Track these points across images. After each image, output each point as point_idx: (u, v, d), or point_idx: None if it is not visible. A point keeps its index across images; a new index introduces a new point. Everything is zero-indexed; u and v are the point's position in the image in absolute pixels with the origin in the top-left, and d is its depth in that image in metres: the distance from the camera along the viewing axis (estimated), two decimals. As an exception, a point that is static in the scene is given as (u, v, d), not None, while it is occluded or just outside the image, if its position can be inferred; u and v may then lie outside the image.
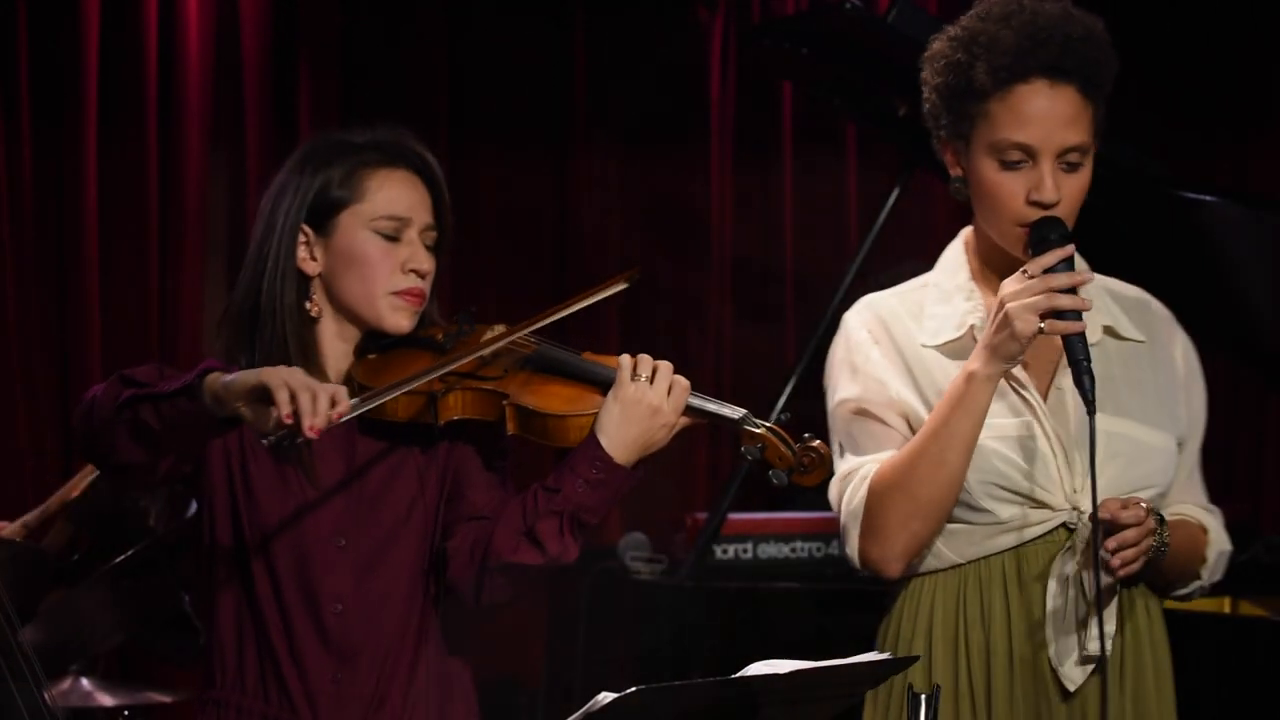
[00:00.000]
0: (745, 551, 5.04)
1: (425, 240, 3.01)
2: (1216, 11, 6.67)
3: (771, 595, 4.83)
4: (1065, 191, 2.97)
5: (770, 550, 5.09)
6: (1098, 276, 3.10)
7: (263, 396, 2.71)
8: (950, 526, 3.03)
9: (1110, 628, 2.98)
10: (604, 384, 2.94)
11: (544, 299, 5.09)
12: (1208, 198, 4.52)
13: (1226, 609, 4.71)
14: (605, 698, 2.40)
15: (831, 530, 5.07)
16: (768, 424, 2.96)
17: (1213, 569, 3.12)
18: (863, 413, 3.08)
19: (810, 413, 6.18)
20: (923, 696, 2.57)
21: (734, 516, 4.98)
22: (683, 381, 2.93)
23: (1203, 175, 5.84)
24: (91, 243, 5.61)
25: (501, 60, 6.19)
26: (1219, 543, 3.13)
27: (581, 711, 2.42)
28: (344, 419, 2.74)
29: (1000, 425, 3.00)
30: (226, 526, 2.97)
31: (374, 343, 3.01)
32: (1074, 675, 2.99)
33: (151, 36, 5.70)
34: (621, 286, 3.06)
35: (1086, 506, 2.98)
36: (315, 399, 2.69)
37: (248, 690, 2.97)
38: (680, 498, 6.10)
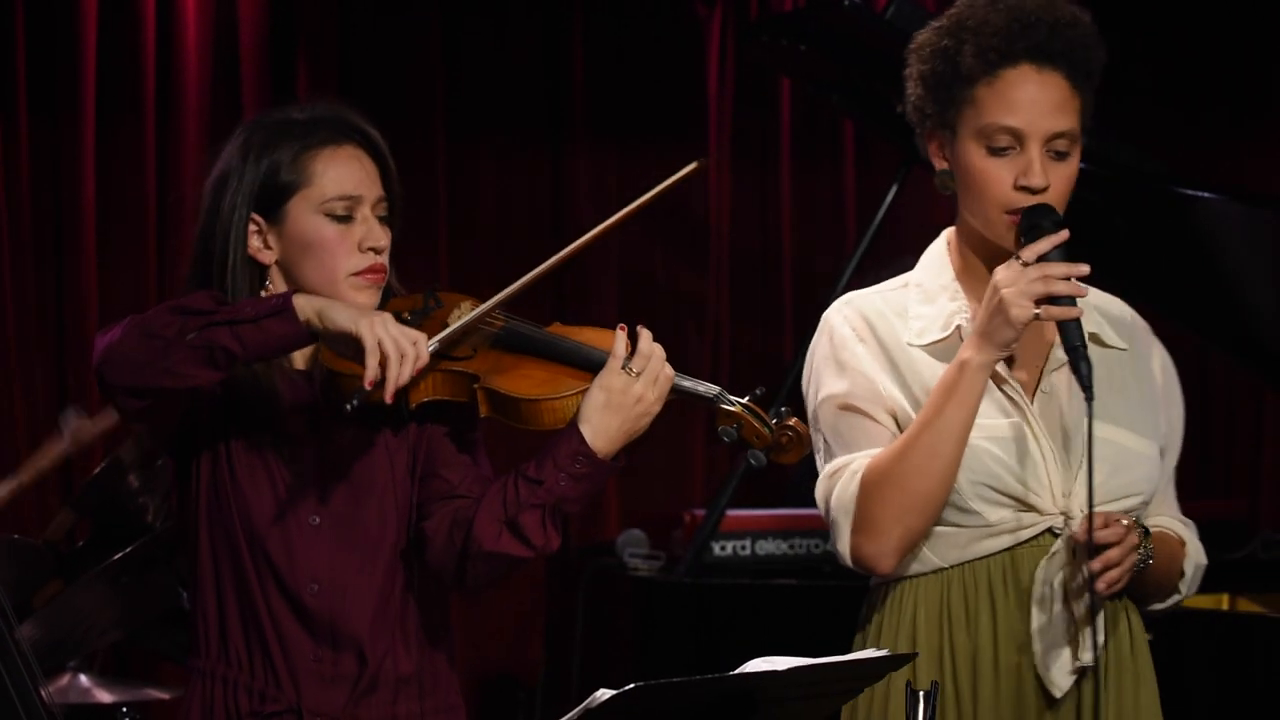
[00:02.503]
0: (743, 548, 5.04)
1: (378, 212, 2.98)
2: (1214, 8, 6.67)
3: (770, 592, 4.84)
4: (1053, 179, 2.94)
5: (768, 547, 5.09)
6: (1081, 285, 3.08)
7: (355, 345, 2.76)
8: (936, 529, 2.99)
9: (1101, 637, 2.95)
10: (580, 364, 2.91)
11: (541, 296, 5.10)
12: (1205, 195, 4.53)
13: (1225, 606, 4.72)
14: (603, 694, 2.40)
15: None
16: (742, 401, 2.93)
17: (1190, 582, 3.08)
18: (850, 408, 3.03)
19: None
20: (921, 693, 2.57)
21: (732, 513, 4.98)
22: (668, 370, 2.91)
23: (1201, 172, 5.84)
24: (89, 237, 5.62)
25: (499, 57, 6.19)
26: (1196, 555, 3.09)
27: (579, 708, 2.42)
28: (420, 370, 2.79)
29: (990, 425, 2.97)
30: (210, 506, 2.96)
31: None
32: (1061, 683, 2.96)
33: (149, 31, 5.71)
34: (693, 167, 3.08)
35: (1075, 511, 2.96)
36: (403, 360, 2.75)
37: (232, 662, 2.97)
38: (678, 494, 6.11)
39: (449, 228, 6.13)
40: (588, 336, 2.97)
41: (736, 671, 2.54)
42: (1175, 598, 3.07)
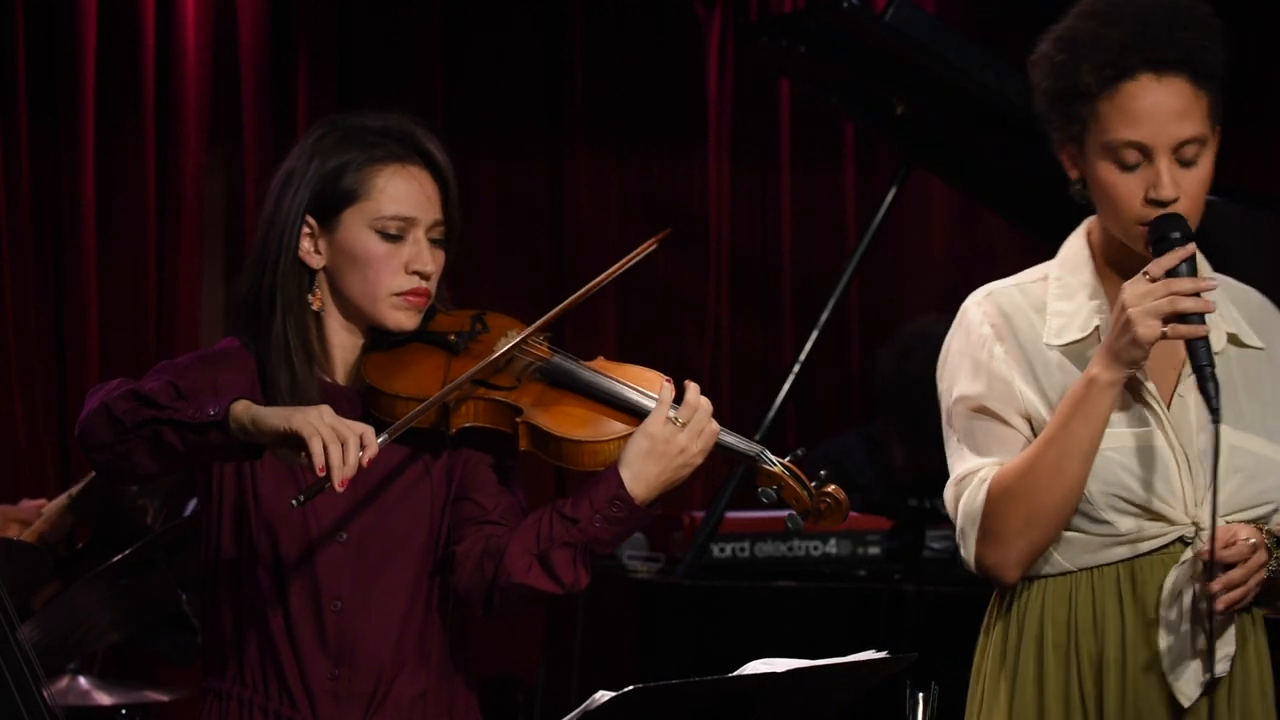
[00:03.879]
0: (743, 550, 5.03)
1: (433, 235, 2.98)
2: (1213, 9, 6.66)
3: (769, 594, 4.83)
4: (1184, 187, 2.89)
5: (767, 549, 5.08)
6: (1217, 275, 3.02)
7: (293, 443, 2.73)
8: (1065, 534, 2.96)
9: (1230, 649, 2.94)
10: (624, 408, 2.90)
11: (541, 297, 5.10)
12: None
13: None
14: (603, 696, 2.41)
15: (827, 529, 5.07)
16: (783, 461, 2.93)
17: None
18: (984, 411, 3.00)
19: (807, 410, 6.20)
20: (920, 694, 2.56)
21: (731, 515, 4.98)
22: (714, 425, 2.90)
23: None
24: (89, 238, 5.62)
25: (499, 58, 6.19)
26: None
27: (579, 710, 2.42)
28: (371, 461, 2.76)
29: (1123, 434, 2.93)
30: (230, 521, 2.96)
31: (383, 336, 2.98)
32: (1189, 691, 2.93)
33: (149, 32, 5.71)
34: (652, 248, 3.05)
35: (1205, 520, 2.92)
36: (346, 448, 2.71)
37: (247, 683, 2.96)
38: (677, 496, 6.10)
39: (448, 228, 6.13)
40: (632, 376, 2.96)
41: (735, 673, 2.54)
42: None
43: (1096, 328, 2.99)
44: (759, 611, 4.78)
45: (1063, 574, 3.00)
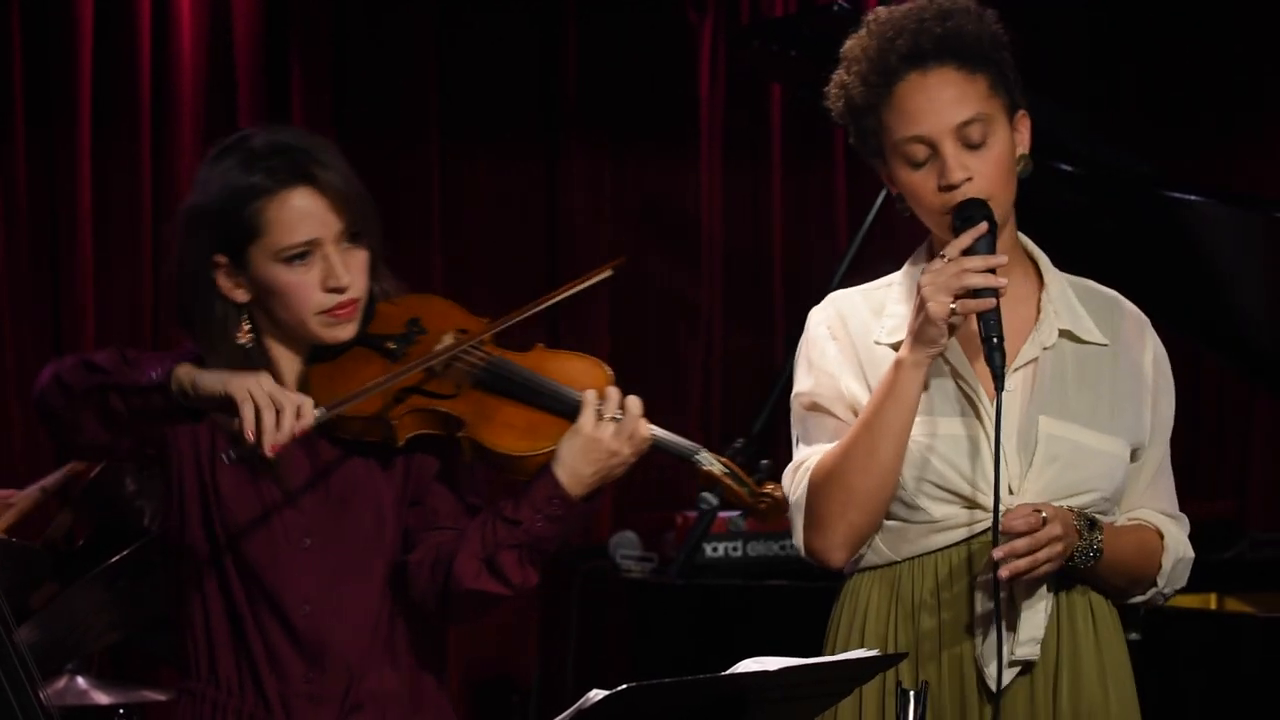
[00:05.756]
0: (735, 549, 5.06)
1: (343, 243, 2.94)
2: (1204, 10, 6.69)
3: (761, 593, 4.85)
4: (976, 168, 2.95)
5: (759, 548, 5.10)
6: (1070, 277, 3.10)
7: (228, 407, 2.76)
8: (887, 523, 3.02)
9: (1040, 632, 2.97)
10: (562, 410, 2.91)
11: (534, 297, 5.10)
12: (1193, 197, 4.53)
13: (1213, 605, 4.73)
14: (596, 695, 2.42)
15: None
16: (722, 460, 2.95)
17: (1170, 576, 3.08)
18: (814, 406, 3.07)
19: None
20: (911, 693, 2.58)
21: (724, 515, 4.99)
22: (644, 427, 2.91)
23: (1190, 174, 5.85)
24: (85, 243, 5.63)
25: (492, 61, 6.20)
26: (1177, 550, 3.09)
27: (573, 709, 2.43)
28: (306, 431, 2.78)
29: (941, 423, 3.00)
30: (196, 524, 2.97)
31: (325, 349, 2.98)
32: (998, 676, 2.96)
33: (145, 38, 5.72)
34: (607, 275, 3.03)
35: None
36: (280, 415, 2.74)
37: (221, 685, 2.98)
38: (670, 496, 6.11)
39: (443, 230, 6.14)
40: (570, 369, 2.97)
41: (728, 672, 2.55)
42: (1153, 590, 3.08)
43: None
44: (751, 610, 4.80)
45: (888, 564, 3.05)
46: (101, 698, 4.45)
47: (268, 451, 2.76)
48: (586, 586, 5.21)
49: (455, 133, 6.18)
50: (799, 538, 3.07)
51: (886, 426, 2.96)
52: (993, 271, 2.90)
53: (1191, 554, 3.11)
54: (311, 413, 2.79)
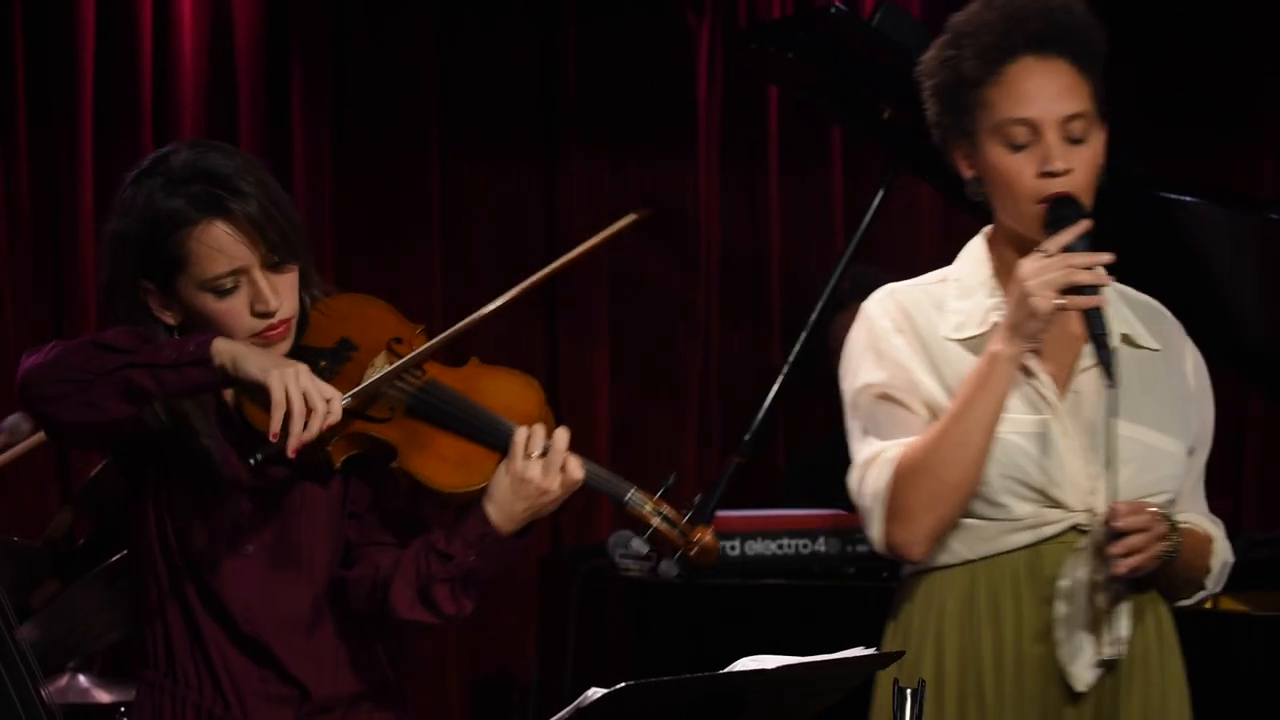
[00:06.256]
0: (733, 549, 5.06)
1: (269, 265, 2.92)
2: (1203, 10, 6.69)
3: (759, 592, 4.87)
4: (1075, 163, 2.98)
5: (757, 547, 5.10)
6: (1112, 283, 3.08)
7: (260, 396, 2.78)
8: (964, 521, 3.03)
9: (1125, 632, 2.99)
10: (493, 443, 2.92)
11: (533, 299, 5.11)
12: (1189, 198, 4.54)
13: (1208, 605, 4.74)
14: (595, 693, 2.43)
15: (817, 527, 5.10)
16: (653, 500, 2.96)
17: (1217, 578, 3.12)
18: (887, 398, 3.06)
19: (799, 410, 6.23)
20: (908, 691, 2.59)
21: (721, 514, 5.00)
22: (575, 466, 2.91)
23: (1187, 175, 5.86)
24: (87, 246, 5.63)
25: (493, 65, 6.21)
26: (1223, 553, 3.13)
27: (571, 707, 2.44)
28: (334, 425, 2.81)
29: (1019, 420, 3.00)
30: (151, 524, 2.99)
31: None
32: (1083, 676, 2.99)
33: (146, 40, 5.73)
34: (631, 219, 3.08)
35: (1101, 508, 2.98)
36: (311, 416, 2.76)
37: (179, 680, 3.00)
38: (668, 496, 6.11)
39: (442, 232, 6.14)
40: (502, 391, 2.97)
41: (726, 670, 2.57)
42: (1201, 593, 3.11)
43: (995, 324, 3.04)
44: (749, 609, 4.82)
45: (963, 564, 3.05)
46: (103, 696, 4.47)
47: (290, 453, 2.78)
48: (585, 586, 5.21)
49: (455, 133, 6.18)
50: (878, 530, 3.05)
51: (978, 418, 2.96)
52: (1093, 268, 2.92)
53: (1233, 558, 3.14)
54: (340, 408, 2.81)
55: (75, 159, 5.65)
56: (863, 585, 4.82)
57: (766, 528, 5.14)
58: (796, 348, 5.00)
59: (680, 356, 6.25)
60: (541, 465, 2.89)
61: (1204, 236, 4.58)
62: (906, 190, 6.10)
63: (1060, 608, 3.00)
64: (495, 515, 2.89)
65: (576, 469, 2.91)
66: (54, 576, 4.53)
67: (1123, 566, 2.91)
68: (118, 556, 4.23)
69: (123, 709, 4.43)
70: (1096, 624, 2.99)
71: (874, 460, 3.06)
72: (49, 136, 5.68)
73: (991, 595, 3.04)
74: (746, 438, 4.96)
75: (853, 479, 3.10)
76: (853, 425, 3.12)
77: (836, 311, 5.62)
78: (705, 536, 2.97)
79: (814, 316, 5.01)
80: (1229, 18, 6.68)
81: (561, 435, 2.92)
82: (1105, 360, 2.91)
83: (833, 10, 4.90)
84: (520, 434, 2.90)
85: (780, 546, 5.11)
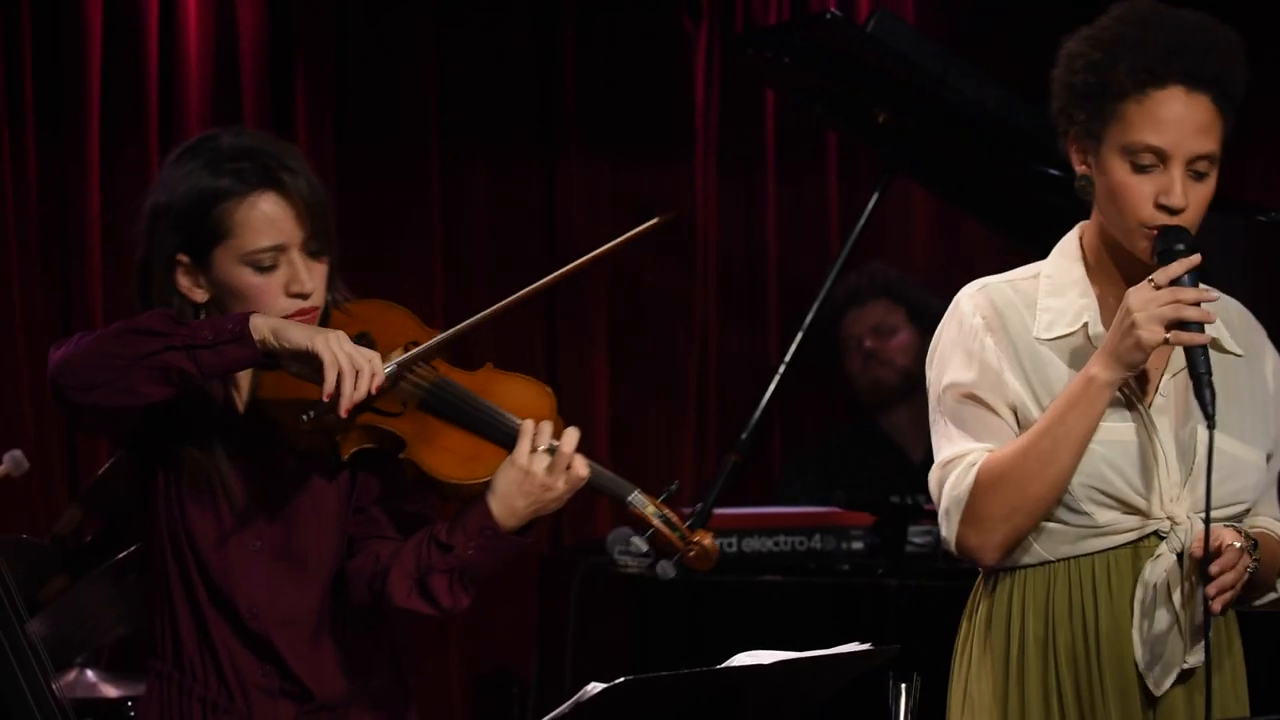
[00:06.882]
0: (730, 545, 5.08)
1: (308, 250, 2.97)
2: (1202, 10, 6.70)
3: (757, 588, 4.90)
4: (1192, 199, 2.97)
5: (755, 544, 5.12)
6: (1205, 286, 3.09)
7: (312, 363, 2.80)
8: (1045, 524, 3.03)
9: (1204, 643, 2.97)
10: (502, 440, 2.94)
11: (532, 304, 5.16)
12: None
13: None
14: (594, 688, 2.46)
15: (813, 524, 5.14)
16: (655, 501, 2.99)
17: None
18: (973, 399, 3.05)
19: (797, 409, 6.25)
20: (903, 685, 2.63)
21: (719, 511, 5.02)
22: (580, 466, 2.93)
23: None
24: (95, 247, 5.62)
25: (492, 69, 6.21)
26: None
27: (571, 701, 2.47)
28: (379, 389, 2.84)
29: (1107, 427, 3.00)
30: (161, 518, 3.02)
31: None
32: (1163, 682, 3.01)
33: (153, 42, 5.71)
34: (655, 221, 3.18)
35: (1180, 515, 3.01)
36: (359, 376, 2.79)
37: (186, 670, 3.02)
38: (670, 503, 6.11)
39: (443, 236, 6.14)
40: (514, 394, 3.00)
41: (723, 665, 2.61)
42: (1273, 595, 3.11)
43: (1085, 324, 3.05)
44: (746, 605, 4.84)
45: (1041, 564, 3.06)
46: (110, 690, 4.49)
47: (343, 413, 2.81)
48: (584, 582, 5.23)
49: (455, 134, 6.18)
50: (952, 532, 3.05)
51: (1068, 438, 2.96)
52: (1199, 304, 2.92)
53: None
54: (382, 372, 2.84)
55: (82, 160, 5.64)
56: (858, 581, 4.85)
57: (763, 524, 5.17)
58: (792, 349, 5.03)
59: (678, 357, 6.25)
60: (547, 461, 2.91)
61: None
62: (901, 193, 6.12)
63: (1139, 613, 3.02)
64: (497, 509, 2.91)
65: (582, 467, 2.94)
66: (62, 573, 4.54)
67: (1217, 605, 2.92)
68: (125, 553, 4.23)
69: (130, 703, 4.45)
70: (1176, 631, 3.01)
71: (956, 461, 3.06)
72: (56, 137, 5.68)
73: (1069, 597, 3.05)
74: (744, 436, 4.98)
75: (933, 476, 3.10)
76: (936, 420, 3.13)
77: (848, 308, 5.67)
78: (705, 540, 2.99)
79: (810, 317, 5.03)
80: (1229, 18, 6.69)
81: (571, 434, 2.94)
82: (1205, 400, 2.91)
83: (828, 16, 4.94)
84: (528, 425, 2.92)
85: (777, 543, 5.13)
